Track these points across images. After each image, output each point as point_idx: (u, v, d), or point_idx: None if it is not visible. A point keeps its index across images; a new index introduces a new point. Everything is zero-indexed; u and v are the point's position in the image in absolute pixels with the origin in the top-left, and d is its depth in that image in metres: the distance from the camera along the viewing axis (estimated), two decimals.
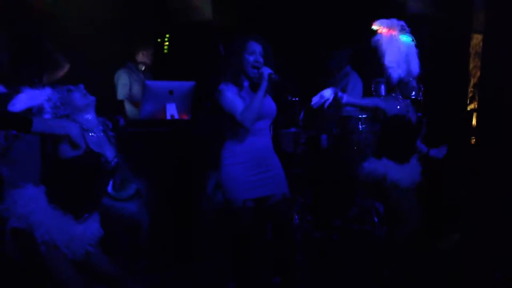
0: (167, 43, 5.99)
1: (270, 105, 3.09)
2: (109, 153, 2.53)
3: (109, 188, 3.62)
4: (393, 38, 3.47)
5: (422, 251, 4.16)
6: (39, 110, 2.47)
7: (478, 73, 6.09)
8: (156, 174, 3.79)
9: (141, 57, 4.94)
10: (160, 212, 3.83)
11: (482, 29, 5.40)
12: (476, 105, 5.86)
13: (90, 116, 2.54)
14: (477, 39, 6.24)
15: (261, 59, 3.01)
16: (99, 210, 2.57)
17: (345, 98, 3.38)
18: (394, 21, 3.51)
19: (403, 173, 3.48)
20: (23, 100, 2.45)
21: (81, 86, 2.55)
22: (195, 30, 5.85)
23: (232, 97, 2.98)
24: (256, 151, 3.01)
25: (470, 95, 6.03)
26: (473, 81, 6.45)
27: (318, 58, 5.24)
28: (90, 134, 2.50)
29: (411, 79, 3.49)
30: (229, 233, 3.03)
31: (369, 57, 4.31)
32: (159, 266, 3.74)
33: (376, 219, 4.62)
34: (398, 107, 3.49)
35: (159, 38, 5.94)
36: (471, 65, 5.83)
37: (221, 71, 3.05)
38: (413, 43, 3.52)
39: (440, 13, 5.10)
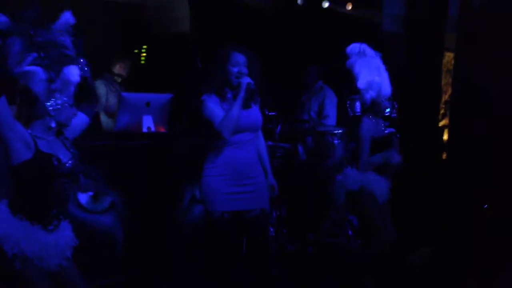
0: (144, 54, 5.99)
1: (254, 116, 3.06)
2: (62, 155, 2.42)
3: (83, 200, 3.58)
4: (364, 62, 3.56)
5: (394, 264, 4.21)
6: None
7: (450, 90, 6.26)
8: (132, 187, 3.76)
9: (118, 68, 4.92)
10: (135, 226, 3.80)
11: (453, 47, 5.57)
12: (447, 121, 6.01)
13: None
14: (448, 56, 6.42)
15: (245, 70, 2.98)
16: (69, 218, 2.49)
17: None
18: (364, 45, 3.61)
19: (378, 184, 3.56)
20: None
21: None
22: (172, 42, 5.87)
23: (213, 107, 2.96)
24: (237, 163, 2.99)
25: (441, 111, 6.18)
26: (444, 97, 6.61)
27: (293, 73, 5.32)
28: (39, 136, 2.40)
29: (383, 100, 3.59)
30: (207, 244, 3.08)
31: (342, 75, 4.43)
32: (133, 280, 3.70)
33: (350, 232, 4.68)
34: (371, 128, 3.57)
35: (136, 49, 5.94)
36: (442, 82, 5.98)
37: (204, 81, 3.03)
38: (383, 66, 3.62)
39: (413, 32, 5.23)
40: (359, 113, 3.85)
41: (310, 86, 5.22)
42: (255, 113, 3.07)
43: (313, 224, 4.75)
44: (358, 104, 4.21)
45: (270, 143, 4.52)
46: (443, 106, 6.53)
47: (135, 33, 5.93)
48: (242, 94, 2.93)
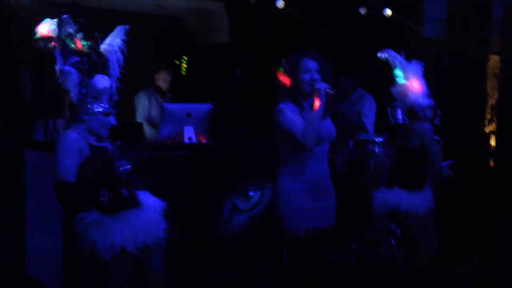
0: (184, 65, 6.08)
1: (329, 127, 2.90)
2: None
3: None
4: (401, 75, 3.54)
5: (441, 276, 4.11)
6: None
7: (496, 94, 6.08)
8: (172, 197, 3.80)
9: (160, 80, 5.04)
10: (175, 236, 3.84)
11: (499, 50, 5.41)
12: (494, 127, 5.83)
13: None
14: (494, 60, 6.24)
15: (317, 76, 2.83)
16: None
17: None
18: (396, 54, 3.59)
19: (417, 201, 3.49)
20: None
21: None
22: (212, 52, 5.93)
23: (292, 116, 2.78)
24: (317, 178, 2.86)
25: (488, 117, 6.00)
26: (490, 102, 6.42)
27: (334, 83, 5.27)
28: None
29: (419, 109, 3.58)
30: (291, 265, 2.89)
31: (381, 82, 4.38)
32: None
33: (393, 242, 4.58)
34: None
35: (176, 60, 6.04)
36: (488, 87, 5.81)
37: (278, 92, 2.88)
38: (420, 73, 3.54)
39: (456, 36, 5.12)
40: (400, 121, 3.77)
41: (348, 95, 5.14)
42: (329, 123, 2.91)
43: (356, 233, 4.68)
44: (399, 111, 4.13)
45: None
46: (490, 111, 6.33)
47: (176, 44, 6.03)
48: (323, 100, 2.75)
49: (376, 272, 4.33)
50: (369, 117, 5.05)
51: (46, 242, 3.60)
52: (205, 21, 6.03)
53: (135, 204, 2.61)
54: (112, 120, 2.68)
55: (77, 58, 2.58)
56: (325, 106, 2.76)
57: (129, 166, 2.60)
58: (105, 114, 2.64)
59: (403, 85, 3.58)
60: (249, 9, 5.14)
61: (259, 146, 4.28)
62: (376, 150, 4.63)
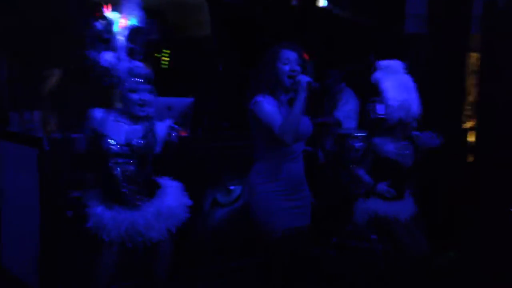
0: (166, 58, 6.01)
1: (306, 123, 2.79)
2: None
3: None
4: (395, 80, 3.48)
5: (419, 268, 4.15)
6: None
7: (474, 91, 6.15)
8: None
9: None
10: None
11: (478, 48, 5.46)
12: (473, 123, 5.90)
13: None
14: (473, 57, 6.30)
15: (297, 67, 2.71)
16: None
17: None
18: (397, 62, 3.54)
19: (397, 209, 3.51)
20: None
21: None
22: (193, 45, 5.88)
23: (271, 109, 2.65)
24: (293, 177, 2.76)
25: (467, 113, 6.05)
26: (469, 99, 6.49)
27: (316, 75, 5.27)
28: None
29: (411, 120, 3.50)
30: (272, 268, 2.80)
31: (363, 77, 4.38)
32: (151, 286, 3.69)
33: (373, 236, 4.60)
34: (391, 150, 3.53)
35: (157, 54, 5.96)
36: (467, 83, 5.86)
37: (255, 84, 2.76)
38: (413, 84, 3.52)
39: (437, 32, 5.15)
40: (381, 116, 3.77)
41: (331, 89, 5.16)
42: (306, 120, 2.79)
43: (336, 227, 4.69)
44: (380, 106, 4.15)
45: None
46: (468, 107, 6.40)
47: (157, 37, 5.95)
48: (303, 94, 2.61)
49: (356, 266, 4.35)
50: (342, 111, 5.05)
51: (21, 234, 3.54)
52: (186, 14, 5.97)
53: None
54: None
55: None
56: (306, 100, 2.64)
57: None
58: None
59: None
60: (230, 2, 5.10)
61: (240, 140, 4.24)
62: (356, 145, 4.64)
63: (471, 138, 5.75)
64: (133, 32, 2.66)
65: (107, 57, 2.61)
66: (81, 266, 3.10)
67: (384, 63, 3.53)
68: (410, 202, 3.62)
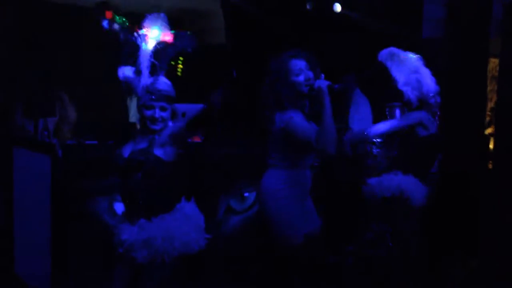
0: (180, 66, 6.00)
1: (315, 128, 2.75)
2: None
3: (118, 210, 3.58)
4: (397, 64, 3.45)
5: (438, 279, 4.05)
6: None
7: (495, 97, 6.03)
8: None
9: None
10: None
11: (497, 53, 5.36)
12: (493, 129, 5.78)
13: None
14: (493, 63, 6.19)
15: (310, 74, 2.71)
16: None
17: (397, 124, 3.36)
18: (392, 48, 3.55)
19: (417, 189, 3.44)
20: None
21: None
22: (209, 53, 5.87)
23: (305, 125, 2.66)
24: (307, 182, 2.81)
25: (487, 119, 5.94)
26: (489, 105, 6.37)
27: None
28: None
29: (431, 95, 3.47)
30: (286, 274, 2.79)
31: (379, 82, 4.30)
32: None
33: (391, 244, 4.51)
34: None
35: (172, 61, 5.97)
36: (488, 89, 5.76)
37: (271, 99, 2.74)
38: (421, 62, 3.49)
39: (455, 37, 5.06)
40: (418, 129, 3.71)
41: (346, 94, 5.07)
42: (314, 126, 2.77)
43: (354, 235, 4.61)
44: (398, 111, 4.08)
45: None
46: (489, 113, 6.28)
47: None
48: (327, 98, 2.58)
49: (372, 274, 4.26)
50: (354, 117, 4.97)
51: (35, 241, 3.53)
52: (201, 22, 5.98)
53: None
54: None
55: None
56: (331, 103, 2.60)
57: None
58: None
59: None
60: (245, 9, 5.08)
61: (254, 146, 4.20)
62: (374, 151, 4.56)
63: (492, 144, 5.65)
64: (158, 48, 2.60)
65: (125, 71, 2.58)
66: (93, 275, 3.07)
67: (383, 53, 3.48)
68: (429, 187, 3.56)
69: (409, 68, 3.45)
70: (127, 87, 2.59)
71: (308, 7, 5.14)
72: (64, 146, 3.36)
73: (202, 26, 6.00)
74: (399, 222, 3.63)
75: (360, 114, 4.95)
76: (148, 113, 2.62)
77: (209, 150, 4.08)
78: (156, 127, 2.64)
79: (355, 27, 5.21)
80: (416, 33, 5.05)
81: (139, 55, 2.63)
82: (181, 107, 4.25)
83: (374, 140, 4.58)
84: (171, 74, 5.70)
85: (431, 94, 3.48)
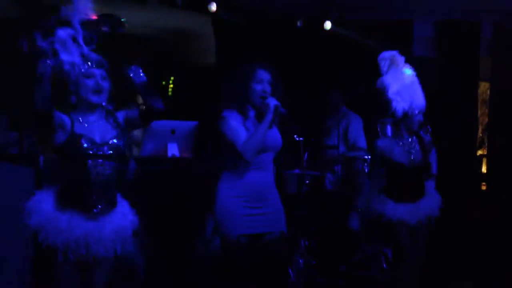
0: (171, 85, 5.99)
1: (274, 137, 2.89)
2: (99, 137, 2.44)
3: None
4: (396, 70, 3.44)
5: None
6: None
7: (486, 120, 6.05)
8: (153, 213, 3.65)
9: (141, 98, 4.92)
10: (155, 254, 3.66)
11: (488, 75, 5.39)
12: (485, 151, 5.77)
13: None
14: (484, 86, 6.22)
15: (268, 88, 2.82)
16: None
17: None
18: (396, 53, 3.49)
19: (405, 212, 3.38)
20: None
21: None
22: (199, 72, 5.87)
23: (235, 125, 2.79)
24: (256, 185, 2.82)
25: (479, 140, 5.93)
26: (480, 128, 6.37)
27: (319, 98, 5.19)
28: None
29: (416, 113, 3.43)
30: (223, 271, 2.87)
31: (370, 98, 4.28)
32: None
33: (385, 265, 4.41)
34: (399, 151, 3.45)
35: (163, 81, 5.95)
36: (479, 112, 5.76)
37: (224, 98, 2.86)
38: (415, 77, 3.48)
39: (445, 55, 5.09)
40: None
41: (334, 111, 5.03)
42: (276, 133, 2.91)
43: (345, 255, 4.51)
44: (389, 127, 4.04)
45: (297, 171, 4.36)
46: (481, 134, 6.28)
47: (162, 65, 5.97)
48: (270, 116, 2.76)
49: None
50: (355, 132, 4.93)
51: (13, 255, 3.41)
52: (191, 42, 5.99)
53: None
54: None
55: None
56: (271, 122, 2.77)
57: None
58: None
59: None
60: (237, 28, 5.09)
61: None
62: (365, 168, 4.51)
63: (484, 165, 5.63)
64: (87, 22, 2.49)
65: (63, 33, 2.37)
66: None
67: (387, 54, 3.47)
68: (424, 208, 3.46)
69: (403, 79, 3.43)
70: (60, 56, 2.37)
71: (299, 24, 5.15)
72: (47, 158, 3.28)
73: (193, 47, 6.01)
74: (392, 244, 3.54)
75: (350, 131, 4.91)
76: (90, 82, 2.45)
77: (198, 166, 4.01)
78: (100, 99, 2.47)
79: (346, 44, 5.22)
80: (407, 51, 5.07)
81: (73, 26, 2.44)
82: (171, 123, 4.22)
83: (365, 157, 4.54)
84: (162, 93, 5.70)
85: (416, 111, 3.42)
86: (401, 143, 3.48)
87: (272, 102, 2.77)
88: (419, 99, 3.44)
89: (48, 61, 2.32)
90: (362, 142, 4.87)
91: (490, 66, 5.15)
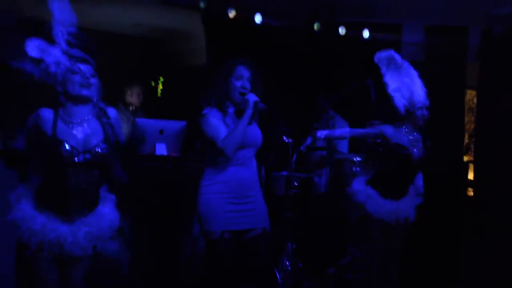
0: (160, 86, 5.97)
1: (254, 133, 2.92)
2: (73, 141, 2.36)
3: None
4: (394, 68, 3.45)
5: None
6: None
7: (472, 127, 6.10)
8: (140, 212, 3.61)
9: (129, 97, 4.89)
10: (141, 254, 3.62)
11: (474, 85, 5.43)
12: (472, 156, 5.80)
13: None
14: (470, 94, 6.27)
15: (248, 85, 2.85)
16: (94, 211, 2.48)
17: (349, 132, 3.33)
18: (393, 51, 3.52)
19: (387, 210, 3.38)
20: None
21: None
22: (189, 74, 5.84)
23: (215, 122, 2.82)
24: (237, 181, 2.83)
25: (465, 146, 5.97)
26: (467, 134, 6.41)
27: (307, 101, 5.19)
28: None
29: (417, 107, 3.44)
30: (207, 268, 2.85)
31: (358, 102, 4.28)
32: None
33: (372, 268, 4.39)
34: (403, 138, 3.45)
35: (153, 82, 5.93)
36: (465, 119, 5.81)
37: (205, 95, 2.88)
38: (415, 73, 3.49)
39: (434, 60, 5.12)
40: (379, 140, 3.67)
41: (322, 114, 5.04)
42: (256, 129, 2.94)
43: (333, 258, 4.49)
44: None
45: (285, 173, 4.34)
46: (467, 140, 6.33)
47: (151, 65, 5.95)
48: (249, 112, 2.79)
49: None
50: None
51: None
52: (182, 42, 5.97)
53: None
54: None
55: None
56: (251, 118, 2.80)
57: None
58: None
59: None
60: (227, 27, 5.07)
61: None
62: (354, 169, 4.51)
63: (471, 172, 5.66)
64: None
65: (36, 44, 2.34)
66: None
67: (383, 54, 3.47)
68: (407, 207, 3.47)
69: (403, 76, 3.44)
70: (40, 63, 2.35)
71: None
72: None
73: (183, 46, 5.99)
74: (378, 245, 3.54)
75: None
76: (77, 77, 2.38)
77: (186, 164, 3.98)
78: (89, 92, 2.40)
79: (334, 47, 5.24)
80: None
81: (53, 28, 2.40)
82: (159, 123, 4.19)
83: (354, 159, 4.54)
84: (151, 94, 5.66)
85: (418, 105, 3.43)
86: (410, 136, 3.49)
87: (252, 98, 2.80)
88: (419, 93, 3.45)
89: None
90: (344, 147, 4.89)
91: (478, 72, 5.19)
